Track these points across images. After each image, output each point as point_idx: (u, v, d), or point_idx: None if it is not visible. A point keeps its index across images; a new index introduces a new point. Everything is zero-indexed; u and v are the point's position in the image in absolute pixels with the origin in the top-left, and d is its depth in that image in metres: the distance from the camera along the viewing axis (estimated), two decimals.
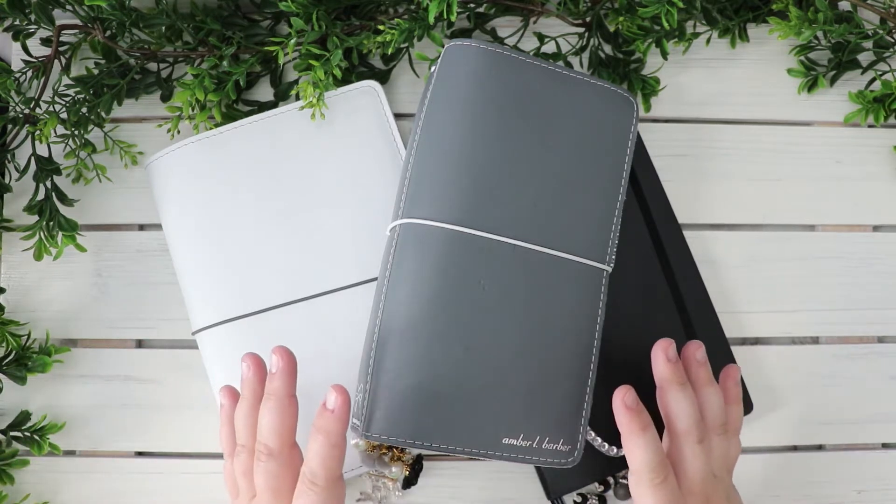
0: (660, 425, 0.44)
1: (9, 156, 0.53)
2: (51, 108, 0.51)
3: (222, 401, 0.46)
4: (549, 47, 0.56)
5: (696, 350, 0.45)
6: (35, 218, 0.51)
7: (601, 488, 0.51)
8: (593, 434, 0.46)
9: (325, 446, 0.40)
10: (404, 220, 0.44)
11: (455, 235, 0.43)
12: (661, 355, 0.44)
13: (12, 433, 0.51)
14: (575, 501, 0.51)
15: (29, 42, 0.52)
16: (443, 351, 0.42)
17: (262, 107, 0.55)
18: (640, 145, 0.54)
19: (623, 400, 0.41)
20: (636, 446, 0.41)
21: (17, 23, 0.51)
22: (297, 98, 0.54)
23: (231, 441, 0.45)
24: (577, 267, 0.45)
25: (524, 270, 0.44)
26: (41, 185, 0.51)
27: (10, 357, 0.51)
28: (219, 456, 0.52)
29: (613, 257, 0.46)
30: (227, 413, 0.46)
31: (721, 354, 0.52)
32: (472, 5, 0.55)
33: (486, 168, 0.44)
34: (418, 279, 0.42)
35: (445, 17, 0.47)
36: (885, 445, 0.54)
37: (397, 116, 0.55)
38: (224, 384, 0.48)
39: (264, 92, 0.56)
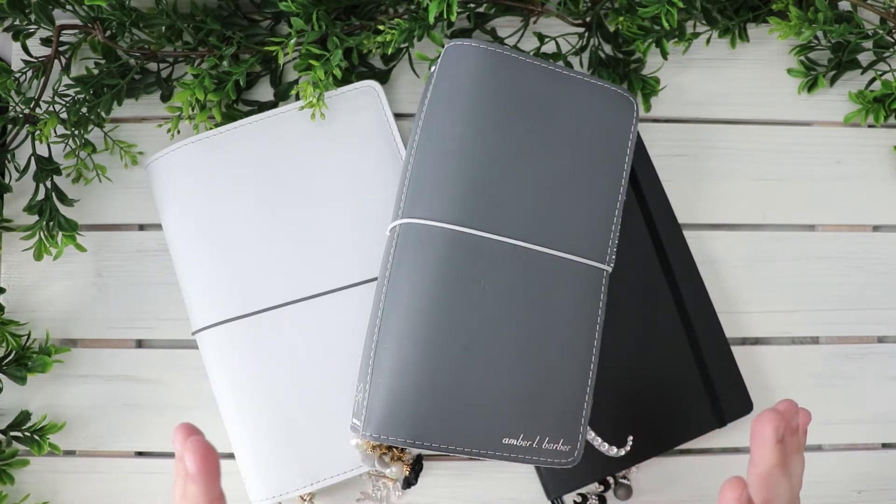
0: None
1: (9, 156, 0.53)
2: (51, 108, 0.51)
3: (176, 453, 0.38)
4: (549, 47, 0.56)
5: (807, 421, 0.41)
6: (35, 218, 0.51)
7: (601, 488, 0.51)
8: (593, 434, 0.46)
9: None
10: (404, 220, 0.44)
11: (455, 235, 0.43)
12: (773, 435, 0.37)
13: (12, 433, 0.51)
14: (575, 501, 0.51)
15: (29, 42, 0.52)
16: (442, 351, 0.42)
17: (262, 107, 0.55)
18: (640, 145, 0.54)
19: (738, 501, 0.35)
20: None
21: (17, 23, 0.51)
22: (297, 98, 0.54)
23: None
24: (578, 267, 0.45)
25: (524, 270, 0.43)
26: (41, 185, 0.51)
27: (10, 357, 0.51)
28: (220, 456, 0.52)
29: (613, 257, 0.46)
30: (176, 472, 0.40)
31: (721, 354, 0.52)
32: (472, 5, 0.55)
33: (486, 168, 0.44)
34: (418, 279, 0.42)
35: (445, 17, 0.47)
36: (885, 445, 0.54)
37: (397, 116, 0.55)
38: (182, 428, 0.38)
39: (264, 92, 0.56)
